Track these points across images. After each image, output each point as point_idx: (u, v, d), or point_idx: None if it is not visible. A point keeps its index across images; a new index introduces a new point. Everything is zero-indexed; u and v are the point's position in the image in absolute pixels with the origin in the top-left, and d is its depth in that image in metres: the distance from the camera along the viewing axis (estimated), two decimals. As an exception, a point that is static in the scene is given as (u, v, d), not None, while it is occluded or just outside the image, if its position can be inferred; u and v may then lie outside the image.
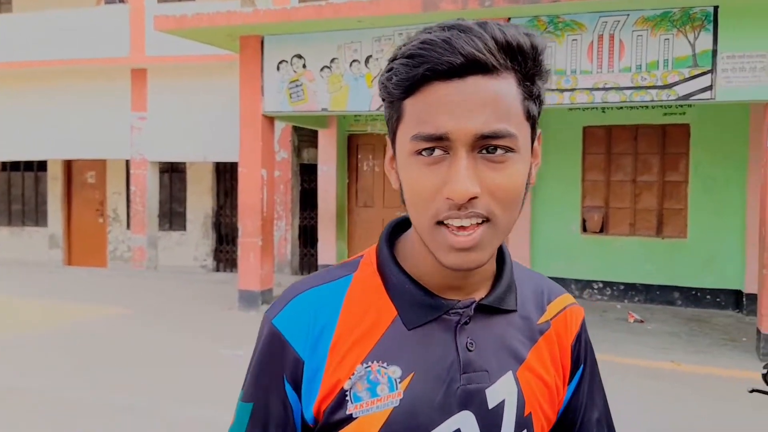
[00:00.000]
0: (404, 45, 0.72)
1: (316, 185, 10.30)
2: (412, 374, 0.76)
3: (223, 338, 6.70)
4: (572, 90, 6.67)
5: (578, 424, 0.89)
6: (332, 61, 7.59)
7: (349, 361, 0.76)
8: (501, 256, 0.85)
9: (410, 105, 0.72)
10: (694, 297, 8.50)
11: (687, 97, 6.31)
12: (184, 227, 11.59)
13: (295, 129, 10.38)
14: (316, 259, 10.33)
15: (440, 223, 0.71)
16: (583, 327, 0.90)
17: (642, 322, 7.71)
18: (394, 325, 0.78)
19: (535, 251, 9.20)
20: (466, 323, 0.79)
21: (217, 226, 11.52)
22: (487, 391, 0.78)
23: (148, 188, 11.17)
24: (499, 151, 0.70)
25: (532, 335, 0.84)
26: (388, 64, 0.74)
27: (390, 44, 7.30)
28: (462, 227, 0.70)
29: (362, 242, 10.21)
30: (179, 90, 10.74)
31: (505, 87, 0.71)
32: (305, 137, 10.61)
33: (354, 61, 7.49)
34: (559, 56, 6.69)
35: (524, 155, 0.73)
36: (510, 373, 0.80)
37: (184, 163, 11.52)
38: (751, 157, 7.85)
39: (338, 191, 10.09)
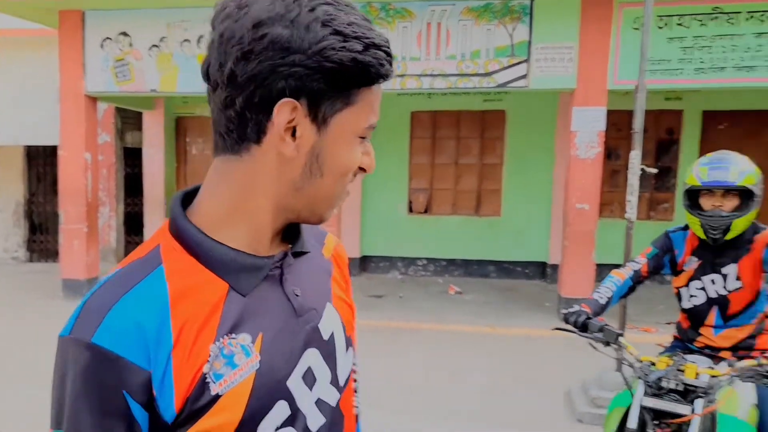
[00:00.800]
0: (372, 32, 0.77)
1: (140, 170, 9.76)
2: (260, 335, 0.79)
3: (52, 328, 6.17)
4: (402, 76, 7.04)
5: None
6: (161, 39, 7.25)
7: (200, 346, 0.75)
8: None
9: (365, 94, 0.79)
10: (506, 269, 9.42)
11: (505, 84, 6.95)
12: (-10, 217, 10.35)
13: (118, 111, 9.71)
14: (146, 247, 9.82)
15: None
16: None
17: (461, 293, 8.40)
18: (230, 297, 0.79)
19: (364, 230, 9.57)
20: (287, 274, 0.85)
21: (30, 214, 10.43)
22: (320, 326, 0.87)
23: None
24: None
25: (327, 268, 0.96)
26: (353, 41, 0.75)
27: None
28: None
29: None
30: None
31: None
32: (129, 120, 9.96)
33: (185, 40, 7.22)
34: (391, 43, 6.99)
35: None
36: (329, 305, 0.90)
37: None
38: (558, 142, 8.84)
39: (166, 176, 9.67)
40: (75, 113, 7.46)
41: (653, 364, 2.42)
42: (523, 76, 6.85)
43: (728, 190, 2.57)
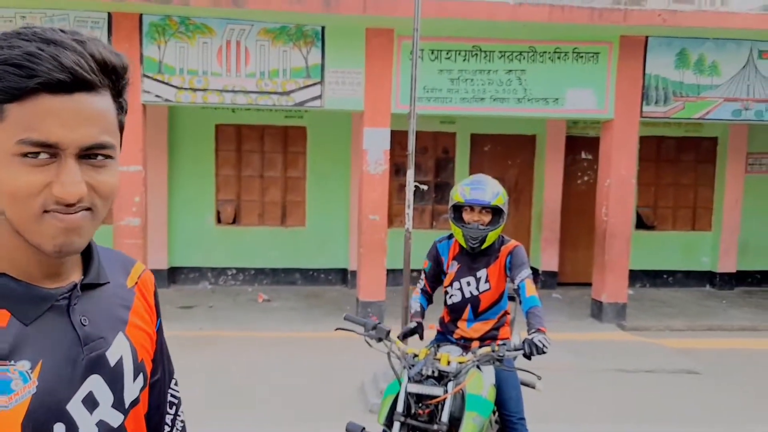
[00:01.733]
0: (3, 48, 0.76)
1: None
2: (40, 362, 0.82)
3: None
4: (204, 90, 7.13)
5: (153, 370, 1.06)
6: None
7: None
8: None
9: (15, 110, 0.76)
10: (311, 276, 9.85)
11: (302, 103, 7.37)
12: None
13: None
14: None
15: (46, 212, 0.78)
16: (155, 287, 1.08)
17: (269, 301, 8.65)
18: (11, 324, 0.81)
19: (172, 242, 9.43)
20: (74, 305, 0.87)
21: None
22: (107, 354, 0.90)
23: None
24: (100, 158, 0.81)
25: (128, 298, 0.98)
26: None
27: (9, 27, 6.67)
28: (68, 214, 0.79)
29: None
30: None
31: (105, 103, 0.82)
32: None
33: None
34: (192, 57, 7.08)
35: (117, 159, 0.85)
36: (121, 334, 0.94)
37: None
38: (353, 156, 9.46)
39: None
40: None
41: (416, 355, 2.87)
42: (318, 97, 7.33)
43: (484, 208, 3.15)
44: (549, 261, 10.13)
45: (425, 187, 6.01)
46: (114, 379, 0.91)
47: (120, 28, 6.85)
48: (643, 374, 6.11)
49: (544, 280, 10.06)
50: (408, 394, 2.74)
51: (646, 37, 7.68)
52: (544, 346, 2.73)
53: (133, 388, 0.95)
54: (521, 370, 2.98)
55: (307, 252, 9.75)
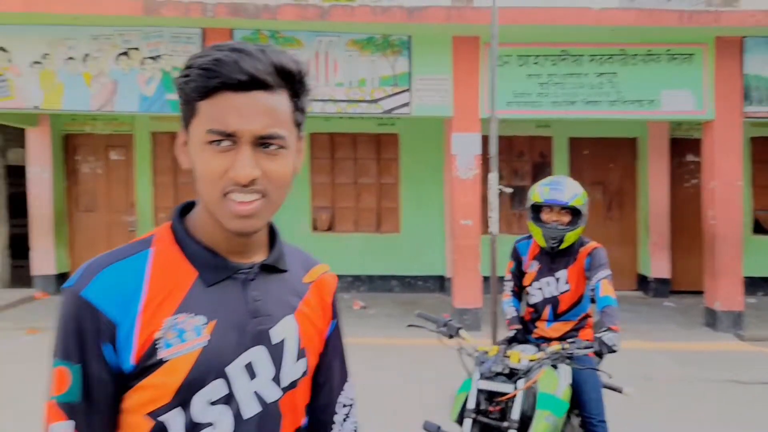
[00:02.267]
0: (199, 57, 0.92)
1: (26, 189, 9.36)
2: (214, 321, 0.96)
3: None
4: (294, 100, 7.25)
5: (326, 365, 1.16)
6: (44, 56, 7.10)
7: (159, 316, 0.93)
8: (273, 231, 1.10)
9: (204, 106, 0.92)
10: (408, 284, 9.79)
11: (390, 111, 7.33)
12: None
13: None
14: (29, 270, 9.38)
15: (226, 195, 0.92)
16: (336, 289, 1.18)
17: (366, 308, 8.66)
18: (196, 284, 0.97)
19: (268, 249, 9.65)
20: (252, 280, 1.01)
21: None
22: (271, 331, 1.02)
23: None
24: (273, 147, 0.94)
25: (301, 290, 1.09)
26: (184, 70, 0.93)
27: (110, 44, 7.09)
28: (244, 201, 0.93)
29: (86, 249, 9.58)
30: None
31: (280, 101, 0.94)
32: (11, 136, 9.57)
33: (70, 58, 7.10)
34: (281, 69, 7.21)
35: (291, 151, 0.98)
36: (290, 316, 1.05)
37: None
38: (446, 161, 9.32)
39: (55, 196, 9.32)
40: (-52, 132, 7.16)
41: (486, 352, 2.84)
42: (406, 104, 7.27)
43: (563, 208, 3.11)
44: (659, 268, 9.54)
45: (510, 190, 5.81)
46: (275, 355, 1.01)
47: (212, 42, 7.06)
48: (761, 386, 5.63)
49: (656, 287, 9.54)
50: (479, 391, 2.74)
51: (743, 37, 7.30)
52: (614, 344, 2.68)
53: (293, 370, 1.04)
54: (595, 370, 2.97)
55: (403, 259, 9.71)
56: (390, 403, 5.06)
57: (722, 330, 7.43)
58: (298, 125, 0.99)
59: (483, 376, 2.75)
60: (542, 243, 3.20)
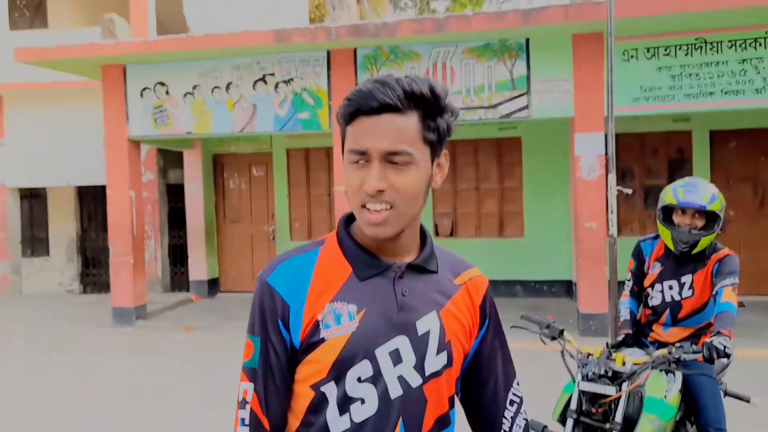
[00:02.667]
0: (351, 91, 1.10)
1: (183, 205, 10.54)
2: (364, 310, 1.12)
3: (100, 352, 6.89)
4: (414, 111, 7.55)
5: (486, 362, 1.27)
6: (194, 87, 8.00)
7: (321, 302, 1.12)
8: (424, 235, 1.23)
9: (349, 130, 1.11)
10: (533, 288, 9.70)
11: (509, 115, 7.40)
12: (47, 252, 11.31)
13: (160, 151, 10.57)
14: (187, 276, 10.57)
15: (363, 206, 1.09)
16: (488, 291, 1.28)
17: (487, 312, 8.73)
18: (351, 278, 1.14)
19: (396, 256, 10.00)
20: (401, 277, 1.15)
21: (83, 249, 11.36)
22: (417, 323, 1.15)
23: (9, 215, 10.88)
24: (399, 163, 1.08)
25: (450, 290, 1.21)
26: (344, 100, 1.12)
27: (249, 72, 7.84)
28: (375, 210, 1.08)
29: (232, 257, 10.58)
30: (38, 115, 10.59)
31: (408, 122, 1.08)
32: (170, 158, 10.81)
33: (215, 87, 7.94)
34: (401, 82, 7.55)
35: (420, 165, 1.10)
36: (434, 312, 1.17)
37: (44, 188, 11.28)
38: (571, 163, 9.13)
39: (206, 209, 10.39)
40: (119, 156, 8.27)
41: (590, 354, 2.86)
42: (525, 107, 7.29)
43: (698, 212, 3.02)
44: (821, 271, 8.64)
45: (629, 191, 5.64)
46: (418, 345, 1.14)
47: (337, 62, 7.60)
48: None
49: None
50: (581, 393, 2.75)
51: None
52: (725, 348, 2.58)
53: (435, 361, 1.15)
54: (711, 378, 2.87)
55: (527, 263, 9.64)
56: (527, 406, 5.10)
57: None
58: (429, 143, 1.11)
59: (586, 378, 2.75)
60: (671, 246, 3.10)
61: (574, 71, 7.18)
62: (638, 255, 3.33)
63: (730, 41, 6.87)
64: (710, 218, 3.03)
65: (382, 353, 1.11)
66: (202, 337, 7.70)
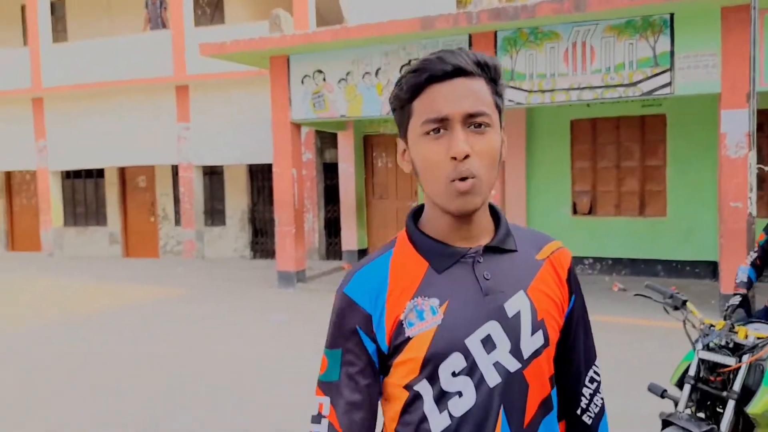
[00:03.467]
0: (408, 69, 1.05)
1: (337, 181, 11.62)
2: (447, 301, 1.05)
3: (269, 309, 8.06)
4: (552, 91, 7.80)
5: (571, 339, 1.20)
6: (347, 74, 8.86)
7: (401, 302, 1.06)
8: (496, 215, 1.16)
9: (417, 104, 1.03)
10: (675, 269, 9.51)
11: (650, 92, 7.39)
12: (224, 222, 13.04)
13: (317, 132, 11.69)
14: (340, 246, 11.68)
15: (452, 181, 1.01)
16: (572, 264, 1.20)
17: (625, 290, 8.74)
18: (429, 272, 1.08)
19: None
20: (479, 262, 1.08)
21: (253, 221, 12.93)
22: (505, 305, 1.07)
23: (195, 189, 12.62)
24: (481, 126, 1.02)
25: (534, 266, 1.14)
26: (397, 83, 1.07)
27: (396, 58, 8.53)
28: (463, 179, 1.01)
29: (380, 230, 11.51)
30: (217, 102, 12.17)
31: (480, 85, 1.03)
32: (326, 139, 11.92)
33: (366, 73, 8.74)
34: (540, 62, 7.83)
35: (496, 130, 1.05)
36: (522, 292, 1.09)
37: (222, 166, 12.92)
38: (719, 141, 8.82)
39: (357, 186, 11.39)
40: (284, 138, 9.37)
41: (713, 326, 2.94)
42: (668, 84, 7.24)
43: None
44: None
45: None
46: (511, 328, 1.07)
47: (478, 45, 8.03)
48: None
49: None
50: (701, 361, 2.80)
51: None
52: None
53: (531, 342, 1.08)
54: None
55: (669, 243, 9.46)
56: (633, 379, 5.30)
57: None
58: (498, 108, 1.07)
59: (707, 348, 2.78)
60: None
61: (722, 45, 6.98)
62: None
63: None
64: None
65: (474, 342, 1.05)
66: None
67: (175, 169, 13.18)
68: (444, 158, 1.01)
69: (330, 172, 11.96)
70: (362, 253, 11.50)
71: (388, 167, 11.50)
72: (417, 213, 1.16)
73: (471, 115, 1.01)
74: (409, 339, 1.05)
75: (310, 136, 11.74)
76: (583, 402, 1.22)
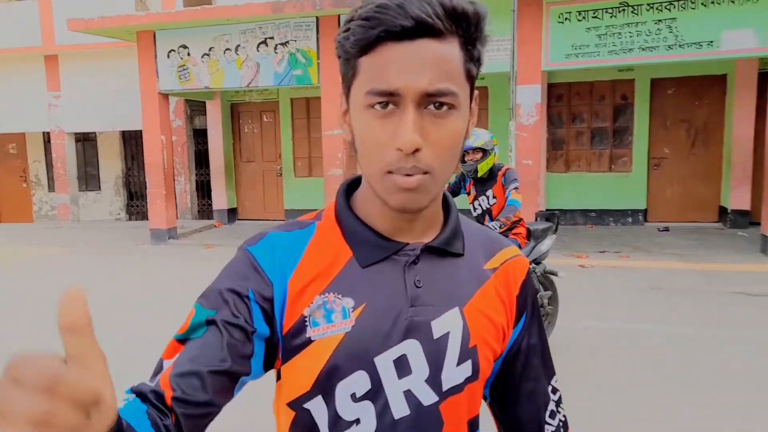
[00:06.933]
0: (360, 8, 0.76)
1: (207, 146, 12.53)
2: (363, 305, 0.83)
3: (142, 261, 9.02)
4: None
5: (519, 369, 0.95)
6: (210, 49, 9.79)
7: (309, 292, 0.83)
8: (447, 207, 0.92)
9: (365, 63, 0.76)
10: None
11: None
12: (98, 187, 13.60)
13: (187, 101, 12.49)
14: (212, 207, 12.68)
15: (390, 172, 0.76)
16: (528, 276, 0.95)
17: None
18: (350, 264, 0.85)
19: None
20: (414, 263, 0.85)
21: (128, 185, 13.59)
22: (433, 323, 0.84)
23: (67, 155, 13.02)
24: (443, 108, 0.75)
25: (479, 278, 0.90)
26: (345, 24, 0.78)
27: (253, 36, 9.57)
28: (408, 174, 0.76)
29: (248, 190, 12.66)
30: (88, 71, 12.55)
31: (450, 50, 0.75)
32: (196, 107, 12.74)
33: (227, 49, 9.71)
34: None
35: (463, 112, 0.78)
36: (456, 309, 0.86)
37: (95, 133, 13.37)
38: None
39: (225, 150, 12.39)
40: (152, 106, 10.18)
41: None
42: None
43: (473, 150, 4.66)
44: (739, 200, 10.01)
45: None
46: (433, 352, 0.84)
47: (325, 27, 9.23)
48: (764, 298, 6.20)
49: (734, 219, 10.02)
50: None
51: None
52: (500, 225, 4.34)
53: (455, 373, 0.85)
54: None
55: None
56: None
57: (773, 255, 7.90)
58: (471, 78, 0.79)
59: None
60: (467, 174, 4.67)
61: (517, 32, 8.51)
62: (461, 179, 4.90)
63: (648, 5, 8.09)
64: (484, 152, 4.57)
65: (384, 362, 0.82)
66: (221, 252, 9.73)
67: (47, 137, 13.46)
68: (388, 143, 0.76)
69: (200, 137, 12.81)
70: (232, 212, 12.59)
71: (254, 133, 12.55)
72: (351, 187, 0.93)
73: (430, 95, 0.74)
74: (309, 341, 0.82)
75: (180, 104, 12.50)
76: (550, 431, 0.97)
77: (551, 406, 0.97)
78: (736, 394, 4.02)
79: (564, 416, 1.00)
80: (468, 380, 0.86)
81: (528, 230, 4.75)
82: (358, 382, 0.82)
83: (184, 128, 12.62)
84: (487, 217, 4.81)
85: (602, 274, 7.44)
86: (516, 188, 4.59)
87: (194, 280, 7.38)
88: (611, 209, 10.82)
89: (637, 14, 8.19)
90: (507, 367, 0.95)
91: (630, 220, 10.77)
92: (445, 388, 0.85)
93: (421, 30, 0.73)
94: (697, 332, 5.22)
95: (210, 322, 0.79)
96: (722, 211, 10.42)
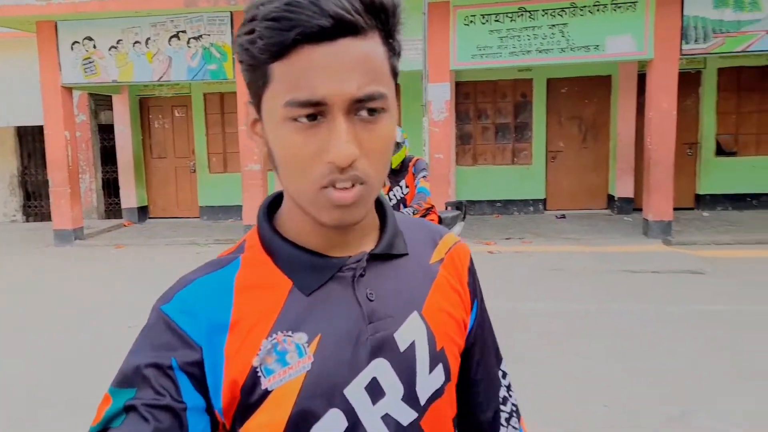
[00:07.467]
0: (263, 5, 0.66)
1: (114, 143, 12.14)
2: (318, 336, 0.74)
3: (46, 264, 8.68)
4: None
5: (478, 355, 0.92)
6: (118, 42, 9.55)
7: (252, 339, 0.73)
8: (381, 208, 0.85)
9: (279, 69, 0.67)
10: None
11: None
12: (-9, 187, 12.79)
13: (91, 95, 12.03)
14: (120, 205, 12.30)
15: (324, 187, 0.69)
16: (471, 261, 0.91)
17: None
18: (292, 294, 0.75)
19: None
20: (361, 276, 0.78)
21: (24, 184, 12.87)
22: (396, 336, 0.78)
23: (-44, 152, 12.16)
24: (375, 113, 0.69)
25: (428, 274, 0.85)
26: (247, 25, 0.68)
27: (164, 29, 9.44)
28: (344, 188, 0.68)
29: (159, 188, 12.37)
30: (-22, 63, 11.80)
31: (373, 47, 0.68)
32: (101, 101, 12.30)
33: (136, 42, 9.52)
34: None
35: (393, 113, 0.72)
36: (415, 314, 0.80)
37: (-15, 129, 12.61)
38: None
39: (134, 147, 12.06)
40: (54, 101, 9.77)
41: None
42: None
43: None
44: (623, 189, 11.08)
45: None
46: (404, 366, 0.78)
47: (240, 21, 9.17)
48: (647, 274, 6.97)
49: (620, 205, 11.07)
50: None
51: (682, -16, 8.34)
52: (413, 212, 4.71)
53: (429, 382, 0.80)
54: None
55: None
56: None
57: (652, 237, 8.88)
58: (395, 74, 0.73)
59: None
60: None
61: (428, 33, 9.02)
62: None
63: (543, 10, 8.82)
64: (397, 145, 4.86)
65: (355, 392, 0.74)
66: (132, 252, 9.54)
67: (-72, 132, 12.51)
68: (317, 157, 0.68)
69: (106, 133, 12.38)
70: (142, 210, 12.28)
71: (165, 128, 12.29)
72: (272, 206, 0.83)
73: (360, 100, 0.67)
74: (267, 393, 0.72)
75: (84, 98, 12.03)
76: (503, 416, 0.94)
77: (503, 392, 0.95)
78: (628, 359, 4.61)
79: (515, 401, 0.96)
80: (444, 383, 0.82)
81: (439, 218, 5.18)
82: (333, 421, 0.74)
83: (89, 123, 12.16)
84: (401, 206, 5.14)
85: (508, 259, 8.07)
86: (425, 176, 4.96)
87: (106, 281, 7.35)
88: (514, 199, 11.58)
89: (533, 19, 8.88)
90: (465, 358, 0.90)
91: (531, 209, 11.58)
92: (423, 401, 0.80)
93: (341, 29, 0.66)
94: (592, 307, 5.87)
95: (129, 408, 0.69)
96: (610, 199, 11.46)
